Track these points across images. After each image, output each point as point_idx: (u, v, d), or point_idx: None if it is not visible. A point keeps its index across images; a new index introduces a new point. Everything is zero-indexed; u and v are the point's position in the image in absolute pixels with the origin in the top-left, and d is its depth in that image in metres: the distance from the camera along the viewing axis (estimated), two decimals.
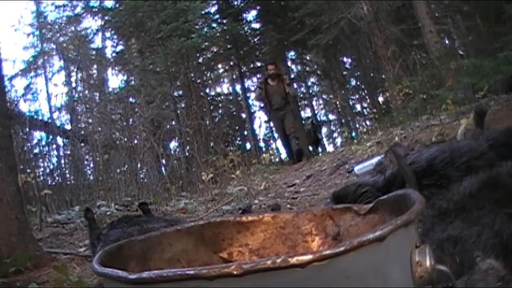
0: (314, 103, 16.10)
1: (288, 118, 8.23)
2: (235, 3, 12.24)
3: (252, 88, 12.66)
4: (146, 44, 11.27)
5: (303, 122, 12.64)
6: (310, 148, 10.01)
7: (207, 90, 13.49)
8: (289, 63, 13.81)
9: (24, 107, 11.32)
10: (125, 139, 7.86)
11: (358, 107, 15.73)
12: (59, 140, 8.39)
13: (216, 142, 8.35)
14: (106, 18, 11.87)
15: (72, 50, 13.32)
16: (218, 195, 4.58)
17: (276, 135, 12.83)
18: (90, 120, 10.11)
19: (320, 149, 10.10)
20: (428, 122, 5.09)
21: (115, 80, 14.83)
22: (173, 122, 10.61)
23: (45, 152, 7.70)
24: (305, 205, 3.35)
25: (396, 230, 0.55)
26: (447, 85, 6.44)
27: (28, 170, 5.80)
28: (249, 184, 5.05)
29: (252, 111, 12.99)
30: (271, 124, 9.70)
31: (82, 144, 8.39)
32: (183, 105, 10.80)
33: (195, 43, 10.15)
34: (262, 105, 11.46)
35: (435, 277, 0.59)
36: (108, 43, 13.37)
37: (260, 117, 13.62)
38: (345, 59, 14.88)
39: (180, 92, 11.47)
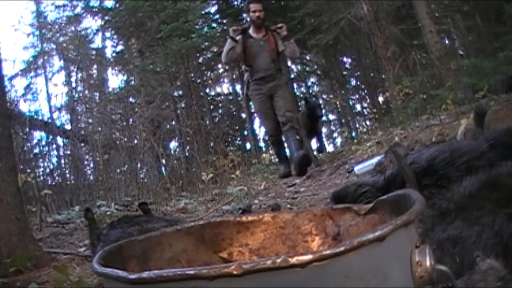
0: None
1: (281, 95, 4.99)
2: (235, 3, 12.24)
3: None
4: (146, 44, 11.28)
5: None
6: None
7: (207, 90, 13.50)
8: (289, 63, 13.82)
9: (24, 107, 11.37)
10: (125, 139, 7.87)
11: (358, 107, 15.76)
12: (59, 140, 8.41)
13: (216, 142, 8.34)
14: (106, 18, 11.89)
15: (72, 50, 13.32)
16: (218, 195, 4.58)
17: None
18: (90, 120, 10.13)
19: (321, 144, 6.64)
20: (428, 122, 5.09)
21: (115, 80, 14.87)
22: (173, 122, 10.62)
23: (45, 152, 7.71)
24: (305, 205, 3.35)
25: (396, 230, 0.55)
26: (447, 85, 6.45)
27: (28, 170, 5.81)
28: (249, 184, 5.05)
29: (252, 111, 12.99)
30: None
31: (82, 144, 8.40)
32: (183, 105, 10.81)
33: (195, 43, 10.15)
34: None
35: (435, 277, 0.59)
36: (108, 43, 13.41)
37: None
38: (345, 59, 14.90)
39: (180, 92, 11.49)
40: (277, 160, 5.75)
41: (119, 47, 12.89)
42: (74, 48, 13.07)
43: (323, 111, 6.55)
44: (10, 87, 9.55)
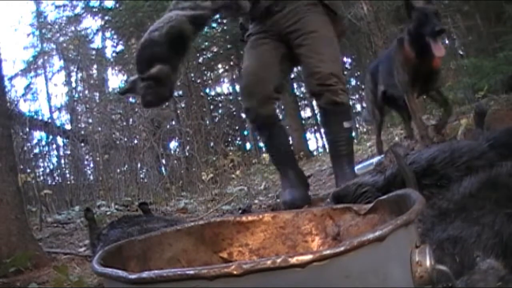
0: (314, 103, 16.10)
1: (306, 28, 2.44)
2: None
3: None
4: None
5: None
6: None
7: (207, 90, 13.50)
8: None
9: (24, 107, 11.37)
10: (125, 139, 7.87)
11: (358, 107, 15.73)
12: (59, 140, 8.41)
13: (216, 142, 8.35)
14: (106, 18, 11.89)
15: (72, 50, 13.33)
16: (218, 195, 4.57)
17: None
18: (90, 120, 10.13)
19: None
20: (428, 122, 5.09)
21: (115, 80, 14.85)
22: (173, 122, 10.63)
23: (45, 152, 7.71)
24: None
25: (396, 230, 0.55)
26: (447, 85, 6.45)
27: (28, 170, 5.82)
28: (249, 184, 5.05)
29: None
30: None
31: (82, 144, 8.40)
32: (183, 105, 10.81)
33: (195, 43, 10.15)
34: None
35: (435, 277, 0.59)
36: (108, 43, 13.42)
37: None
38: (345, 59, 14.89)
39: (180, 92, 11.49)
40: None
41: (119, 47, 12.88)
42: (74, 48, 13.08)
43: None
44: (10, 87, 9.56)
